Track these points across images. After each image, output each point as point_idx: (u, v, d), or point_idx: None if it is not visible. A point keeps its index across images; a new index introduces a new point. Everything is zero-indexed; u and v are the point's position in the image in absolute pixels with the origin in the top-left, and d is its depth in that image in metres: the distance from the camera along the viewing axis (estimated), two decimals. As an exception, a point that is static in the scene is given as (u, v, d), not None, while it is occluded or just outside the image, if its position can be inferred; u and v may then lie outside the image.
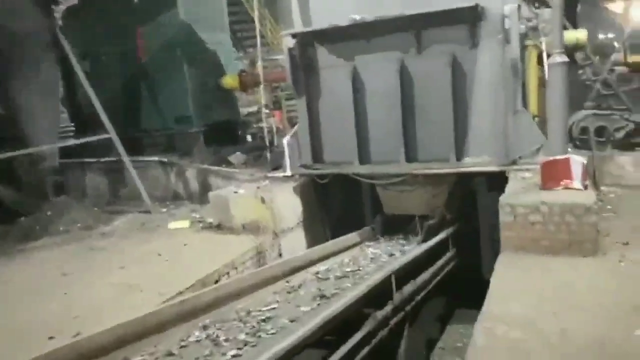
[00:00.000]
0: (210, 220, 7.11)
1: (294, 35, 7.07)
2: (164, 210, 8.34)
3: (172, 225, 7.25)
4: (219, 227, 6.85)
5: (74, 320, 4.51)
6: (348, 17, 6.54)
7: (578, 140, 6.59)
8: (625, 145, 6.51)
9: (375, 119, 6.98)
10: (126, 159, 8.29)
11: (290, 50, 7.18)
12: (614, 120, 6.64)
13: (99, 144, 9.29)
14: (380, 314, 4.57)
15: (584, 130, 6.68)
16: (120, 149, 8.27)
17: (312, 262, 5.78)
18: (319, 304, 4.62)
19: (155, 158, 9.19)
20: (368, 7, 6.52)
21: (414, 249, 6.16)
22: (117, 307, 4.76)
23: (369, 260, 6.04)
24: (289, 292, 5.01)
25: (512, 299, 3.97)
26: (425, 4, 6.26)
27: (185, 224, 7.27)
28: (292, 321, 4.27)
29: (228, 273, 5.60)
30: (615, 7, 22.99)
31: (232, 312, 4.57)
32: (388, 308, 4.73)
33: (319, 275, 5.48)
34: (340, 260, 6.06)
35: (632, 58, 22.37)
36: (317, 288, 5.07)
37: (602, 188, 6.12)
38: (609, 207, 5.58)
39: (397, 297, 4.92)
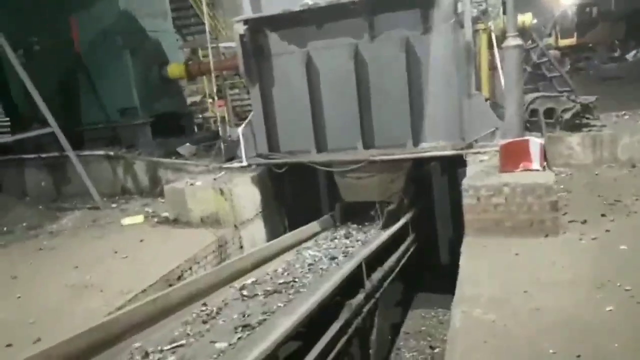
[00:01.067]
0: (165, 214, 6.85)
1: (245, 22, 6.85)
2: (114, 205, 7.95)
3: (126, 221, 6.91)
4: (175, 221, 6.60)
5: (32, 325, 4.24)
6: (300, 2, 6.41)
7: (528, 122, 6.78)
8: (573, 126, 6.76)
9: (330, 106, 6.91)
10: (71, 153, 7.81)
11: (241, 37, 6.96)
12: (561, 101, 6.88)
13: (35, 139, 8.74)
14: (354, 302, 4.54)
15: (534, 112, 6.89)
16: (65, 143, 7.79)
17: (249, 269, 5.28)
18: (239, 338, 3.77)
19: (101, 152, 8.73)
20: (320, -9, 6.41)
21: (378, 236, 6.16)
22: (75, 309, 4.50)
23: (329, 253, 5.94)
24: (204, 322, 4.15)
25: (483, 281, 4.03)
26: (377, -12, 6.24)
27: (139, 219, 6.95)
28: None
29: (191, 268, 5.40)
30: (547, -8, 23.75)
31: (125, 354, 3.72)
32: (360, 296, 4.71)
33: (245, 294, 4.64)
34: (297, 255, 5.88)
35: (562, 42, 23.56)
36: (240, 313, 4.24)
37: (554, 168, 6.35)
38: (562, 186, 5.78)
39: (368, 284, 4.92)
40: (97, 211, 7.69)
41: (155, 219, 6.89)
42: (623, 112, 7.64)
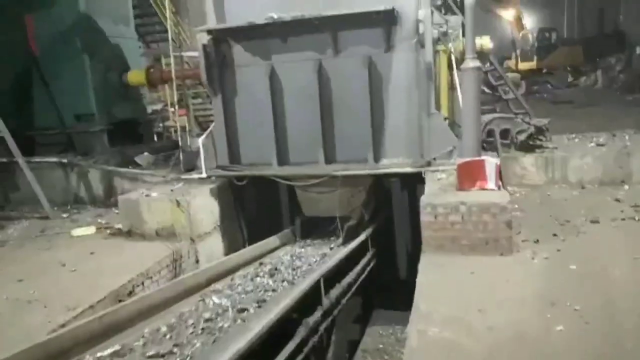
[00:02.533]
0: (119, 226, 6.62)
1: (209, 32, 6.79)
2: (65, 215, 7.64)
3: (76, 232, 6.65)
4: (129, 234, 6.39)
5: (-36, 342, 3.95)
6: (265, 15, 6.40)
7: (485, 142, 6.95)
8: (527, 147, 6.98)
9: (293, 119, 6.90)
10: (21, 159, 7.46)
11: (204, 46, 6.88)
12: (516, 123, 7.10)
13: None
14: (311, 319, 4.49)
15: (490, 132, 7.08)
16: (14, 148, 7.42)
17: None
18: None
19: (54, 159, 8.41)
20: (285, 6, 6.42)
21: (337, 252, 6.15)
22: (15, 326, 4.25)
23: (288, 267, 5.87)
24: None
25: (439, 299, 4.06)
26: (342, 6, 6.30)
27: (90, 230, 6.71)
28: None
29: (143, 283, 5.21)
30: (507, 15, 24.80)
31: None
32: (318, 313, 4.67)
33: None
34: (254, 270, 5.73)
35: (522, 65, 24.44)
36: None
37: (508, 188, 6.52)
38: (516, 206, 5.93)
39: (326, 301, 4.88)
40: (46, 221, 7.37)
41: (108, 231, 6.66)
42: (574, 135, 7.95)
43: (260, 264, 5.89)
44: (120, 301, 4.66)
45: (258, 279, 5.40)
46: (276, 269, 5.71)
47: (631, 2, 23.20)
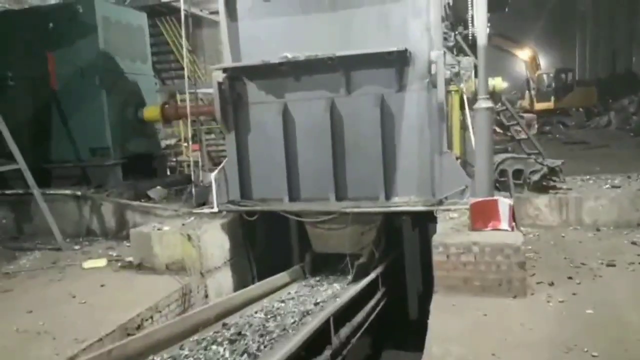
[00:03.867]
0: (129, 259, 6.62)
1: (224, 70, 6.94)
2: (77, 247, 7.65)
3: (87, 264, 6.65)
4: (139, 267, 6.38)
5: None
6: (279, 54, 6.55)
7: (497, 182, 6.94)
8: (540, 188, 6.94)
9: (305, 156, 6.95)
10: (36, 191, 7.56)
11: (219, 84, 7.01)
12: (529, 163, 7.08)
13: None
14: (320, 359, 4.41)
15: (503, 172, 7.07)
16: (30, 180, 7.54)
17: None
18: None
19: (67, 191, 8.50)
20: (299, 45, 6.57)
21: (348, 290, 6.07)
22: (23, 357, 4.23)
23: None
24: None
25: (452, 342, 3.97)
26: (355, 46, 6.44)
27: (101, 262, 6.70)
28: None
29: (152, 317, 5.17)
30: (522, 54, 25.12)
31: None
32: (327, 353, 4.58)
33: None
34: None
35: (539, 105, 24.53)
36: None
37: (522, 229, 6.45)
38: (529, 247, 5.86)
39: (335, 340, 4.79)
40: (58, 252, 7.39)
41: (119, 263, 6.66)
42: (588, 176, 7.90)
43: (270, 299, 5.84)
44: (129, 335, 4.64)
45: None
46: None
47: (643, 43, 23.38)
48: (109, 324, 4.74)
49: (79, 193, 8.42)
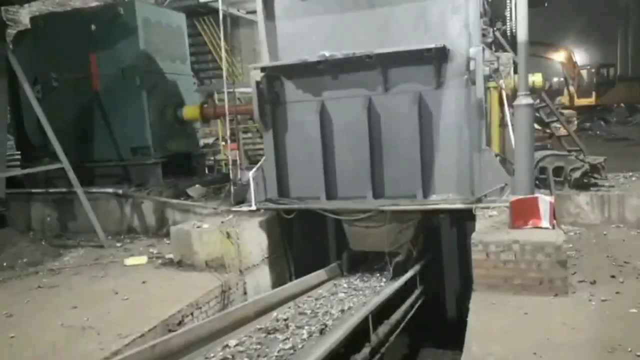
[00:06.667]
0: (170, 256, 6.78)
1: (262, 69, 7.03)
2: (119, 245, 7.90)
3: (129, 261, 6.85)
4: (179, 264, 6.53)
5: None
6: (317, 53, 6.59)
7: (537, 179, 6.81)
8: (581, 185, 6.78)
9: (342, 154, 6.97)
10: (79, 190, 7.84)
11: (257, 83, 7.11)
12: (570, 160, 6.93)
13: (44, 173, 8.84)
14: (359, 357, 4.43)
15: (543, 170, 6.93)
16: (74, 179, 7.83)
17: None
18: None
19: (109, 190, 8.77)
20: (337, 43, 6.60)
21: (386, 287, 6.08)
22: (70, 352, 4.38)
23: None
24: None
25: (492, 340, 3.94)
26: (393, 43, 6.42)
27: (142, 260, 6.89)
28: None
29: (192, 313, 5.30)
30: (557, 56, 24.74)
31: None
32: (366, 350, 4.60)
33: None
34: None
35: (579, 101, 24.09)
36: None
37: (562, 227, 6.32)
38: (570, 245, 5.74)
39: (374, 338, 4.81)
40: (100, 249, 7.63)
41: (159, 261, 6.82)
42: (630, 174, 7.66)
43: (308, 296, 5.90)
44: (170, 331, 4.76)
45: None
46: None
47: (687, 37, 22.52)
48: (151, 319, 4.86)
49: (120, 191, 8.67)
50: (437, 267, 7.55)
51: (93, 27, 9.35)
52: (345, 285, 6.49)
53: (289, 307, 5.53)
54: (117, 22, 9.19)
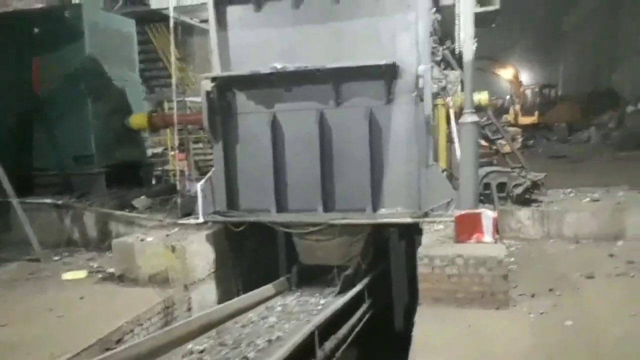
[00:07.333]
0: (111, 270, 6.51)
1: (213, 79, 6.93)
2: (57, 258, 7.52)
3: (67, 275, 6.54)
4: (121, 279, 6.27)
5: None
6: (270, 64, 6.56)
7: (482, 195, 7.00)
8: (523, 201, 7.01)
9: (293, 167, 6.95)
10: (14, 199, 7.43)
11: (208, 93, 6.99)
12: (513, 177, 7.16)
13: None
14: (304, 373, 4.38)
15: (487, 185, 7.13)
16: (9, 188, 7.41)
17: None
18: None
19: (48, 200, 8.36)
20: (291, 56, 6.61)
21: (333, 302, 6.05)
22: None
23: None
24: None
25: (435, 353, 3.99)
26: (345, 58, 6.48)
27: (81, 274, 6.59)
28: None
29: (133, 330, 5.08)
30: (505, 74, 25.79)
31: None
32: (312, 365, 4.55)
33: None
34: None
35: (523, 120, 25.05)
36: None
37: (504, 241, 6.50)
38: (512, 259, 5.90)
39: (320, 353, 4.76)
40: (37, 263, 7.23)
41: (100, 275, 6.55)
42: (569, 190, 8.00)
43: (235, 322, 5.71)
44: (108, 349, 4.55)
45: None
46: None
47: (624, 62, 24.00)
48: (88, 337, 4.62)
49: (59, 202, 8.28)
50: (386, 280, 7.60)
51: (36, 29, 8.99)
52: (293, 300, 6.41)
53: (208, 337, 5.20)
54: (63, 25, 8.89)
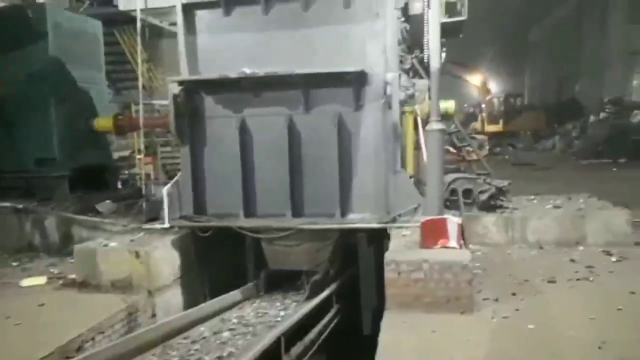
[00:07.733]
0: (73, 276, 6.33)
1: (180, 82, 6.85)
2: (15, 264, 7.27)
3: (26, 282, 6.33)
4: (83, 285, 6.10)
5: None
6: (239, 69, 6.53)
7: (449, 201, 7.10)
8: (488, 207, 7.14)
9: (262, 172, 6.93)
10: (-30, 203, 7.18)
11: (175, 96, 6.92)
12: (478, 183, 7.29)
13: None
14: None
15: (454, 192, 7.24)
16: (-36, 190, 7.16)
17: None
18: None
19: (7, 204, 8.09)
20: (260, 61, 6.60)
21: (300, 308, 6.02)
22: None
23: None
24: None
25: (400, 358, 4.00)
26: (314, 65, 6.51)
27: (41, 280, 6.39)
28: None
29: (94, 338, 4.95)
30: (474, 80, 26.36)
31: None
32: (277, 372, 4.52)
33: None
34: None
35: (489, 128, 25.63)
36: None
37: (470, 246, 6.60)
38: (477, 264, 6.00)
39: (286, 359, 4.73)
40: (-6, 269, 7.00)
41: (61, 281, 6.36)
42: (533, 197, 8.20)
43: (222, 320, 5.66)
44: (67, 358, 4.43)
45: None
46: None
47: (586, 74, 24.87)
48: (46, 346, 4.49)
49: (19, 206, 8.03)
50: (354, 285, 7.61)
51: (-5, 28, 8.72)
52: (260, 306, 6.36)
53: (153, 354, 4.89)
54: (25, 25, 8.62)
